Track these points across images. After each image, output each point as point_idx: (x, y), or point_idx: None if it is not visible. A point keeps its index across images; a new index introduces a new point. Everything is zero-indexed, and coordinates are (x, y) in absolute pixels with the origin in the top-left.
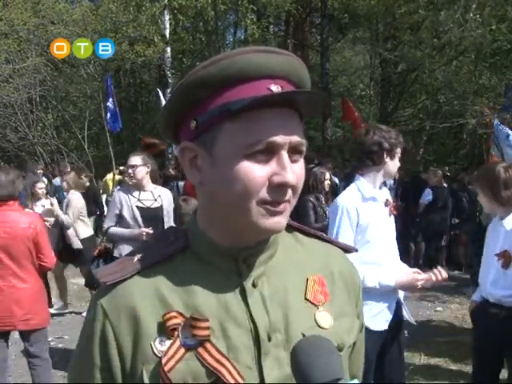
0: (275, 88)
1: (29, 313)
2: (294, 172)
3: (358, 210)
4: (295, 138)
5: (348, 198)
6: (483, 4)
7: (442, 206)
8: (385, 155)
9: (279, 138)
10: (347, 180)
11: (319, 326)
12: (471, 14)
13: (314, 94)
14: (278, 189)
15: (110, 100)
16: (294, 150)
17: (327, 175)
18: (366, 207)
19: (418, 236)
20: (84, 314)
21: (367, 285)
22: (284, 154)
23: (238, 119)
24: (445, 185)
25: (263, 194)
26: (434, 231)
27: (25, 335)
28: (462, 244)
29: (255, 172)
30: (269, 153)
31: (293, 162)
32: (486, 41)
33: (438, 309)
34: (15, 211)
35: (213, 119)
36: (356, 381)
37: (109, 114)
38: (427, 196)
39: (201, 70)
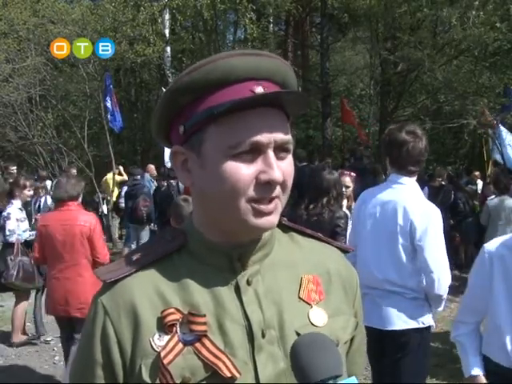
0: (259, 89)
1: (83, 303)
2: (281, 169)
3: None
4: (280, 136)
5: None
6: (485, 2)
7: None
8: None
9: (263, 138)
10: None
11: (312, 324)
12: (474, 12)
13: (293, 93)
14: (265, 186)
15: (108, 99)
16: (280, 148)
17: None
18: None
19: None
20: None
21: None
22: (269, 152)
23: (222, 122)
24: (443, 183)
25: (251, 192)
26: None
27: (75, 323)
28: (461, 244)
29: (242, 171)
30: (254, 152)
31: (280, 159)
32: (489, 39)
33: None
34: (73, 211)
35: (199, 123)
36: (354, 378)
37: (109, 114)
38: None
39: (185, 76)
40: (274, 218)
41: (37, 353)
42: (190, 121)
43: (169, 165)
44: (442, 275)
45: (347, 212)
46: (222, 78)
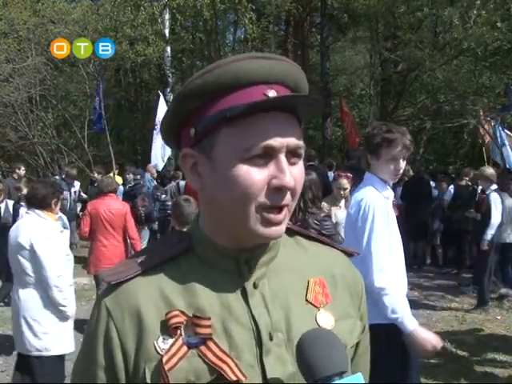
0: (271, 93)
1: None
2: (293, 175)
3: (386, 209)
4: (292, 141)
5: (375, 197)
6: (486, 1)
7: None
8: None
9: (275, 142)
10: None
11: (320, 327)
12: (475, 11)
13: (308, 97)
14: (276, 192)
15: (97, 100)
16: (292, 153)
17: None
18: (389, 207)
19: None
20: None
21: (392, 315)
22: (282, 157)
23: (235, 125)
24: (469, 183)
25: (262, 198)
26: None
27: None
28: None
29: (254, 175)
30: (266, 157)
31: (291, 164)
32: (489, 39)
33: (438, 308)
34: (114, 199)
35: (210, 126)
36: (360, 375)
37: (96, 116)
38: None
39: (197, 78)
40: (282, 228)
41: None
42: (201, 123)
43: (153, 170)
44: (380, 267)
45: (326, 210)
46: (234, 81)
